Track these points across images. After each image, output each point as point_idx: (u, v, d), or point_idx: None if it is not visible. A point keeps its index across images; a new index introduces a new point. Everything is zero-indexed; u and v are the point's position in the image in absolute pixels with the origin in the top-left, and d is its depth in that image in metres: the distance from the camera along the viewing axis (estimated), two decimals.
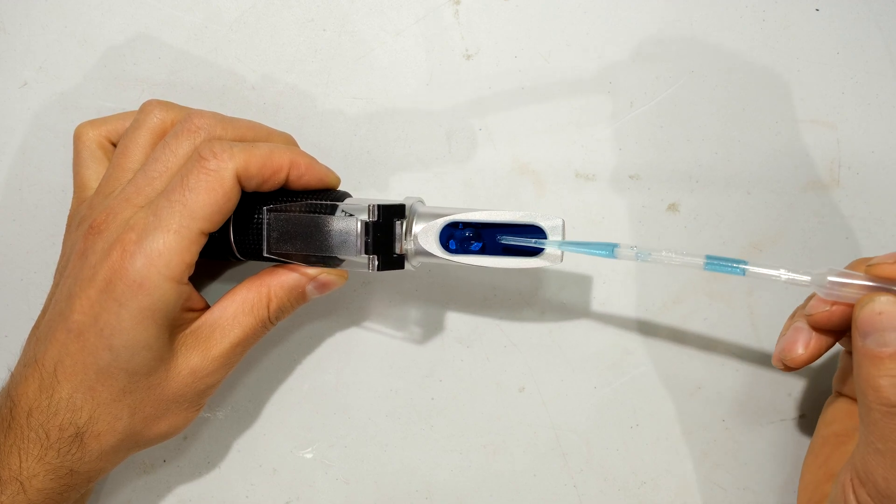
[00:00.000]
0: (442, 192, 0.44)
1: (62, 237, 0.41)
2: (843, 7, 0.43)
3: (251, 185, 0.36)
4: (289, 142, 0.41)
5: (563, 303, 0.44)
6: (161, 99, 0.41)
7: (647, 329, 0.44)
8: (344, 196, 0.40)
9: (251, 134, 0.39)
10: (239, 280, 0.39)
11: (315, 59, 0.44)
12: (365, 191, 0.44)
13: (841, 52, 0.43)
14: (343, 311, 0.45)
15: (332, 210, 0.37)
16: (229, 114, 0.44)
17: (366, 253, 0.37)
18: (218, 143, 0.36)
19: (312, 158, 0.38)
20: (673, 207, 0.44)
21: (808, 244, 0.43)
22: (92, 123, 0.42)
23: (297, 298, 0.39)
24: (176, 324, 0.37)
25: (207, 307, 0.39)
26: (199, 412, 0.39)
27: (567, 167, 0.44)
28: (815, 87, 0.43)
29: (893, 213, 0.43)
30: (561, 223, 0.36)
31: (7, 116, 0.45)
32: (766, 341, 0.44)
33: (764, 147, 0.44)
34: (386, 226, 0.37)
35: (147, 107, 0.40)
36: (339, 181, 0.40)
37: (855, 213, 0.43)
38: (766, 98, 0.43)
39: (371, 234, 0.36)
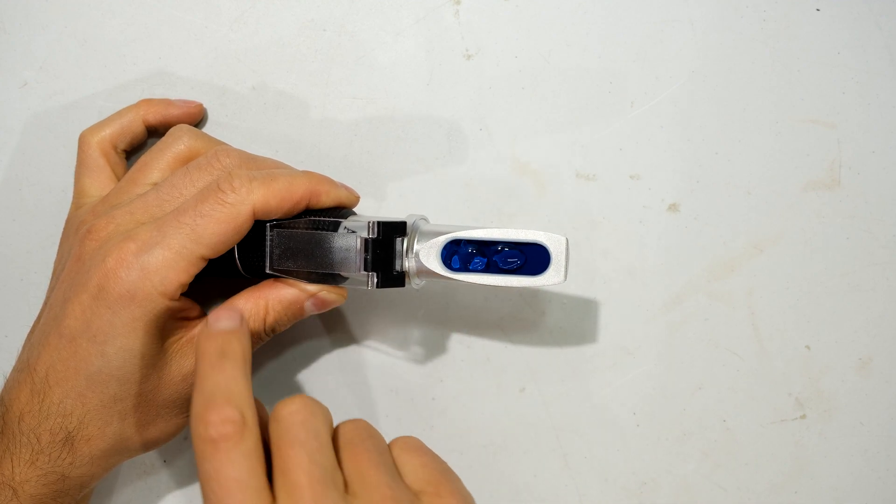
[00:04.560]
0: (442, 193, 0.43)
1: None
2: (844, 7, 0.42)
3: (269, 217, 0.35)
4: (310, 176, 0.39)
5: (564, 303, 0.43)
6: (190, 126, 0.40)
7: (647, 329, 0.43)
8: (348, 213, 0.39)
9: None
10: (238, 289, 0.38)
11: (315, 59, 0.43)
12: (365, 191, 0.43)
13: (841, 52, 0.42)
14: (343, 312, 0.44)
15: (334, 227, 0.36)
16: (229, 114, 0.44)
17: (365, 270, 0.35)
18: (238, 178, 0.34)
19: (332, 183, 0.37)
20: (673, 207, 0.43)
21: (809, 244, 0.42)
22: (96, 129, 0.41)
23: (295, 314, 0.38)
24: (169, 332, 0.36)
25: (203, 314, 0.38)
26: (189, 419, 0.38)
27: (567, 167, 0.43)
28: (815, 87, 0.42)
29: (894, 213, 0.42)
30: (564, 241, 0.35)
31: (7, 116, 0.44)
32: (767, 341, 0.43)
33: (764, 147, 0.42)
34: (386, 243, 0.36)
35: (177, 132, 0.39)
36: (357, 200, 0.39)
37: (855, 213, 0.42)
38: (766, 98, 0.42)
39: (370, 250, 0.35)
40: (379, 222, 0.35)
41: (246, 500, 0.28)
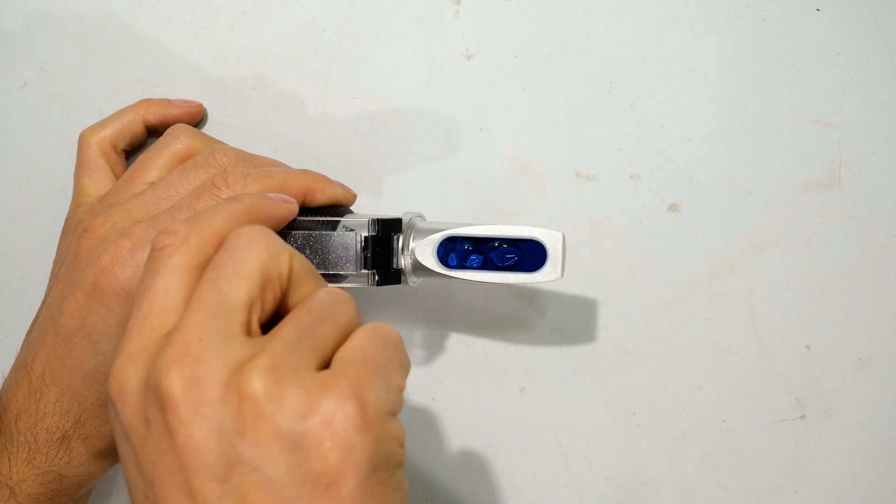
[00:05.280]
0: (442, 193, 0.43)
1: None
2: (844, 7, 0.42)
3: None
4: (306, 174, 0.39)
5: (564, 303, 0.43)
6: (188, 126, 0.40)
7: (647, 329, 0.43)
8: (345, 211, 0.38)
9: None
10: None
11: (315, 59, 0.43)
12: (364, 190, 0.43)
13: (841, 52, 0.42)
14: None
15: (332, 225, 0.36)
16: (229, 114, 0.43)
17: (365, 268, 0.35)
18: (232, 174, 0.34)
19: (328, 180, 0.37)
20: (673, 207, 0.43)
21: (809, 244, 0.42)
22: (95, 129, 0.41)
23: None
24: None
25: None
26: None
27: (567, 167, 0.43)
28: (815, 87, 0.42)
29: (894, 213, 0.42)
30: (561, 237, 0.35)
31: (7, 116, 0.44)
32: (767, 341, 0.43)
33: (764, 147, 0.42)
34: (385, 240, 0.36)
35: (175, 131, 0.39)
36: (354, 198, 0.39)
37: (856, 213, 0.42)
38: (765, 98, 0.42)
39: (370, 248, 0.35)
40: (378, 219, 0.35)
41: (153, 311, 0.26)
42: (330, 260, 0.35)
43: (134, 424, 0.26)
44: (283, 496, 0.24)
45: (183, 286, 0.27)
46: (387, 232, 0.36)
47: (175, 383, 0.25)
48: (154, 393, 0.25)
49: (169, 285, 0.27)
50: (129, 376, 0.26)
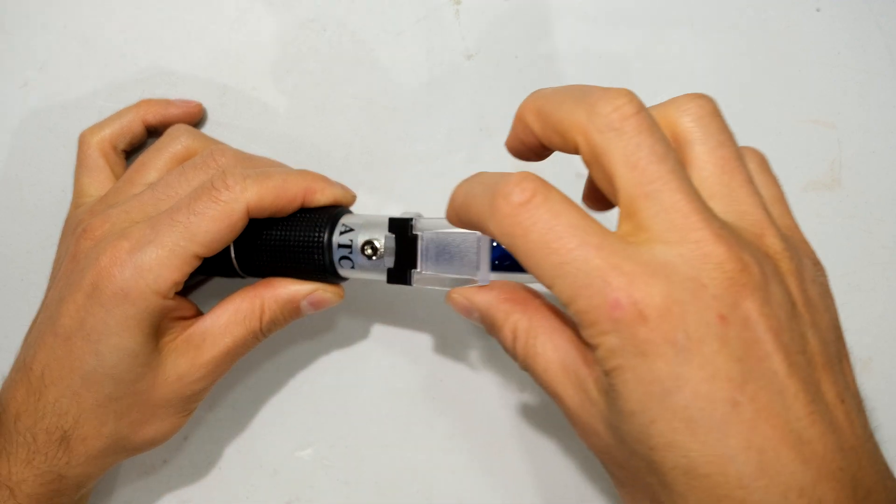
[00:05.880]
0: (442, 193, 0.43)
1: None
2: (844, 7, 0.42)
3: (264, 215, 0.35)
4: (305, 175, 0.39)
5: None
6: (188, 126, 0.40)
7: None
8: (344, 211, 0.38)
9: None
10: (235, 288, 0.38)
11: (315, 59, 0.43)
12: (365, 191, 0.43)
13: (841, 52, 0.42)
14: (343, 312, 0.44)
15: (331, 224, 0.36)
16: (229, 114, 0.43)
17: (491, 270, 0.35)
18: (231, 175, 0.34)
19: (327, 181, 0.37)
20: None
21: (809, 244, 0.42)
22: (95, 129, 0.41)
23: (291, 313, 0.37)
24: (164, 330, 0.35)
25: (199, 313, 0.37)
26: (187, 418, 0.38)
27: (567, 167, 0.43)
28: (815, 87, 0.42)
29: (894, 213, 0.42)
30: None
31: (7, 116, 0.44)
32: None
33: (764, 147, 0.42)
34: (413, 241, 0.35)
35: (174, 132, 0.39)
36: (354, 198, 0.38)
37: (856, 213, 0.42)
38: (766, 98, 0.42)
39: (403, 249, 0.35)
40: (390, 218, 0.35)
41: (594, 240, 0.25)
42: (462, 263, 0.35)
43: (699, 331, 0.24)
44: (831, 355, 0.26)
45: (577, 213, 0.26)
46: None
47: (754, 266, 0.25)
48: (735, 286, 0.24)
49: (577, 217, 0.26)
50: (653, 287, 0.24)
